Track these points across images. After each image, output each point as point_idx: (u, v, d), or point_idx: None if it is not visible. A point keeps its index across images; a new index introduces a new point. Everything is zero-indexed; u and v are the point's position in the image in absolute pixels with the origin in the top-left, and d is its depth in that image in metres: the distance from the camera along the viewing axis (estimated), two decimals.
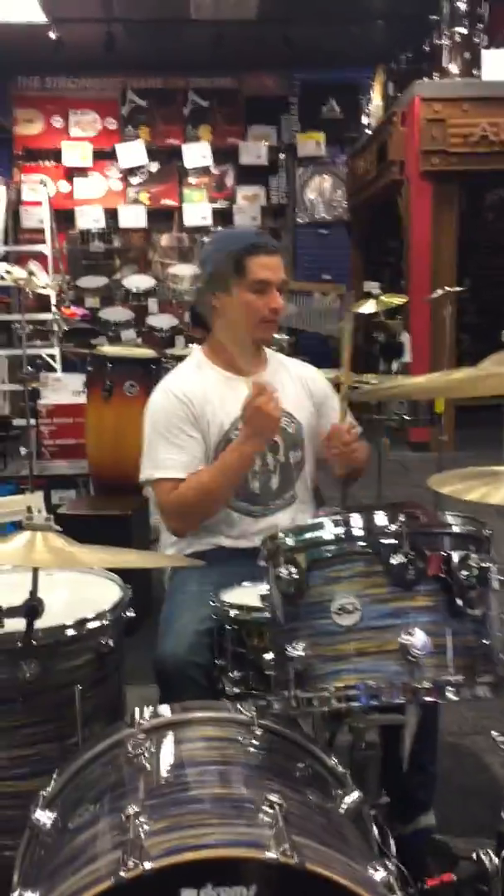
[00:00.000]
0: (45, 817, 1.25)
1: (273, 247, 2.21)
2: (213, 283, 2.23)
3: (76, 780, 1.36)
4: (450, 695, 1.32)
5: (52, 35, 8.20)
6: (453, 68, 7.17)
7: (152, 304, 9.49)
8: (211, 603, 1.89)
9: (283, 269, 2.22)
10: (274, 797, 1.10)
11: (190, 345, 6.93)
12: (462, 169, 7.13)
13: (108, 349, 4.83)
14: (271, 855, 1.00)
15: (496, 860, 1.49)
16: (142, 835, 1.04)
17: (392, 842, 1.59)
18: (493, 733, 1.56)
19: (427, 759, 1.96)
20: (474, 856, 1.52)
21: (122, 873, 0.98)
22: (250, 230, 2.34)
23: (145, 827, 1.06)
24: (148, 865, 0.98)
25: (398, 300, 5.52)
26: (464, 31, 7.14)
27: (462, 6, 7.13)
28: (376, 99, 8.84)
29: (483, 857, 1.49)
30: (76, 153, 9.89)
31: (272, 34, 8.39)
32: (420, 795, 1.99)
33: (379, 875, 1.14)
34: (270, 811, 1.09)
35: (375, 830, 1.45)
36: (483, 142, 6.97)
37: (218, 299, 2.22)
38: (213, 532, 2.21)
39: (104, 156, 9.94)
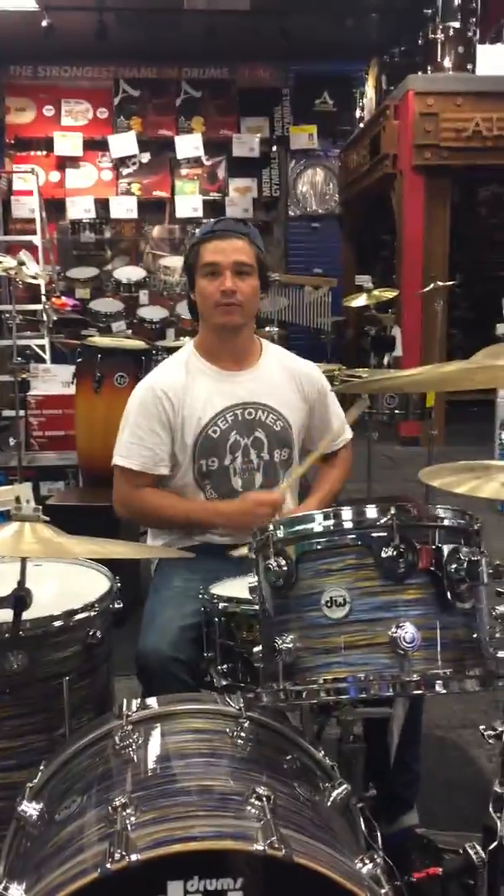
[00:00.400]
0: (31, 809, 1.25)
1: (230, 231, 2.17)
2: (188, 279, 2.27)
3: (63, 771, 1.35)
4: (439, 688, 1.32)
5: (45, 23, 8.14)
6: (447, 62, 7.15)
7: (143, 295, 9.45)
8: (199, 596, 1.88)
9: (248, 252, 2.16)
10: (262, 789, 1.10)
11: (181, 337, 6.92)
12: (455, 163, 7.12)
13: (99, 340, 4.81)
14: (259, 847, 1.00)
15: (482, 853, 1.49)
16: (129, 827, 1.04)
17: (378, 835, 1.59)
18: (481, 727, 1.56)
19: (410, 756, 1.97)
20: (461, 850, 1.52)
21: (108, 865, 0.97)
22: (216, 220, 2.32)
23: (132, 819, 1.06)
24: (134, 857, 0.98)
25: (390, 294, 5.52)
26: (457, 25, 7.12)
27: (456, 0, 7.11)
28: (370, 92, 8.82)
29: (469, 850, 1.50)
30: (67, 143, 9.83)
31: (266, 25, 8.35)
32: (404, 794, 2.00)
33: (366, 868, 1.14)
34: (258, 804, 1.08)
35: (362, 823, 1.45)
36: (476, 136, 6.96)
37: (194, 292, 2.24)
38: (201, 533, 2.21)
39: (96, 146, 9.88)
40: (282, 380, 2.28)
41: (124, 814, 1.06)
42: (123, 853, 0.98)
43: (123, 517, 2.30)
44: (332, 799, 1.29)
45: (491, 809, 1.56)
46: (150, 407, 2.17)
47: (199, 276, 2.18)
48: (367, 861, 1.15)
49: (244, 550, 1.90)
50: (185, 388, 2.19)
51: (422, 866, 1.86)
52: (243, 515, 2.08)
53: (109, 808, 1.08)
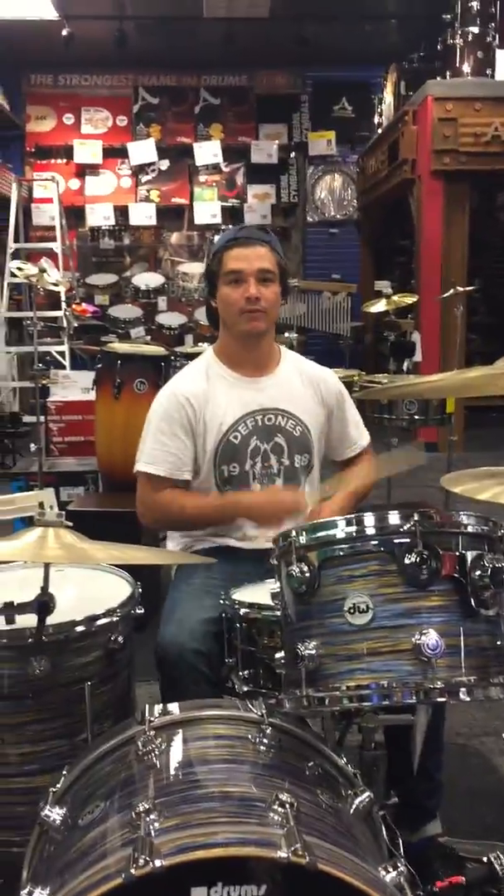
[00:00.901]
0: (54, 814, 1.25)
1: (253, 238, 2.18)
2: (208, 284, 2.27)
3: (86, 776, 1.35)
4: (462, 695, 1.31)
5: (65, 32, 8.20)
6: (466, 68, 7.14)
7: (162, 301, 9.49)
8: (220, 599, 1.88)
9: (270, 259, 2.17)
10: (284, 796, 1.10)
11: (200, 343, 6.94)
12: (474, 168, 7.10)
13: (118, 346, 4.82)
14: (282, 854, 0.99)
15: None
16: (152, 832, 1.04)
17: (401, 842, 1.59)
18: (503, 735, 1.55)
19: (433, 765, 1.95)
20: (484, 858, 1.51)
21: (132, 871, 0.97)
22: (238, 227, 2.32)
23: (155, 825, 1.05)
24: (158, 863, 0.97)
25: (409, 299, 5.50)
26: (476, 30, 7.11)
27: (475, 5, 7.10)
28: (388, 98, 8.81)
29: (493, 860, 1.49)
30: (87, 150, 9.91)
31: (284, 32, 8.38)
32: (426, 803, 1.99)
33: (389, 876, 1.13)
34: (281, 810, 1.08)
35: (385, 831, 1.45)
36: (495, 141, 6.94)
37: (214, 299, 2.25)
38: (220, 533, 2.21)
39: (115, 153, 9.95)
40: (300, 386, 2.29)
41: (148, 819, 1.06)
42: (147, 859, 0.98)
43: (148, 524, 2.29)
44: (354, 806, 1.28)
45: None
46: (173, 413, 2.18)
47: (222, 283, 2.19)
48: (390, 869, 1.14)
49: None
50: (206, 395, 2.20)
51: (444, 875, 1.85)
52: (271, 506, 2.09)
53: (133, 813, 1.08)
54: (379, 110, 9.23)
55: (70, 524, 1.51)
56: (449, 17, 7.20)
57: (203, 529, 2.23)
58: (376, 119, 9.31)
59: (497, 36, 7.15)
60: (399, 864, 1.17)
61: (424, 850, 1.93)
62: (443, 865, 1.89)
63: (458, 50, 7.13)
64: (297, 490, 2.17)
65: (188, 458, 2.18)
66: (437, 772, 2.00)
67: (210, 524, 2.21)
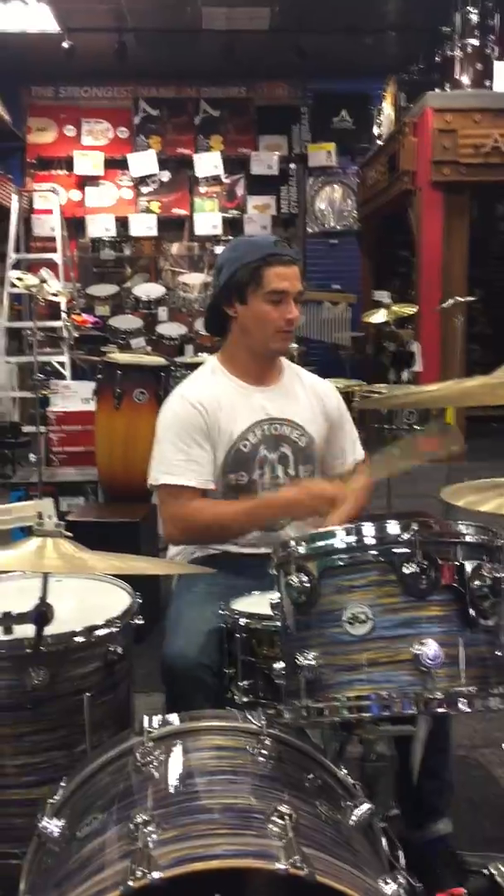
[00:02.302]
0: (52, 825, 1.24)
1: (291, 257, 2.18)
2: (228, 292, 2.20)
3: (84, 788, 1.34)
4: (462, 706, 1.30)
5: (65, 44, 8.25)
6: (465, 79, 7.17)
7: (162, 312, 9.50)
8: (220, 611, 1.88)
9: (300, 278, 2.19)
10: (283, 808, 1.09)
11: (200, 353, 6.94)
12: (473, 180, 7.13)
13: (119, 356, 4.84)
14: (281, 866, 0.99)
15: None
16: (150, 844, 1.03)
17: (402, 854, 1.58)
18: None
19: (440, 765, 1.95)
20: (485, 871, 1.50)
21: (130, 883, 0.96)
22: (269, 239, 2.28)
23: (153, 836, 1.05)
24: (156, 875, 0.97)
25: (409, 310, 5.51)
26: (475, 42, 7.15)
27: (474, 18, 7.14)
28: (387, 109, 8.85)
29: (494, 871, 1.48)
30: (88, 162, 9.95)
31: (284, 44, 8.42)
32: (435, 802, 1.98)
33: (389, 888, 1.12)
34: (280, 822, 1.07)
35: (385, 843, 1.44)
36: (494, 153, 6.97)
37: (234, 308, 2.20)
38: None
39: (116, 165, 9.99)
40: (304, 397, 2.29)
41: (146, 831, 1.05)
42: (145, 871, 0.97)
43: (179, 539, 2.21)
44: (354, 818, 1.27)
45: None
46: (191, 419, 2.14)
47: (259, 298, 2.14)
48: (389, 880, 1.13)
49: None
50: (218, 401, 2.18)
51: (449, 883, 1.84)
52: (312, 500, 2.06)
53: (131, 825, 1.07)
54: (378, 122, 9.28)
55: (69, 534, 1.50)
56: (448, 29, 7.24)
57: (241, 537, 2.18)
58: (376, 130, 9.35)
59: (496, 48, 7.19)
60: (399, 876, 1.16)
61: (433, 854, 1.93)
62: (447, 874, 1.88)
63: (457, 62, 7.18)
64: (332, 484, 2.12)
65: (211, 465, 2.14)
66: (446, 771, 1.99)
67: (248, 529, 2.15)
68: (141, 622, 1.84)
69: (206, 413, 2.15)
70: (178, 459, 2.12)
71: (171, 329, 9.19)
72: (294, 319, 2.16)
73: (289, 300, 2.15)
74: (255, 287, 2.14)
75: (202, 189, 10.08)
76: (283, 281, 2.13)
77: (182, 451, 2.13)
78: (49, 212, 8.91)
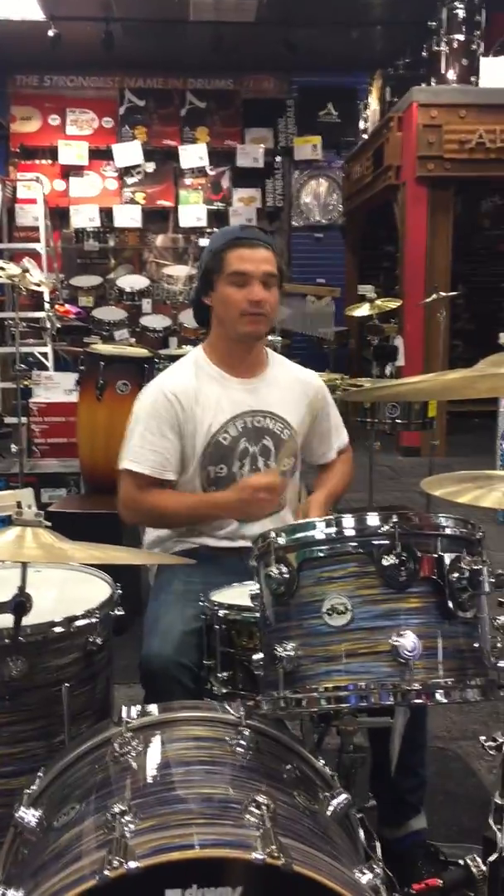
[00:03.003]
0: (29, 815, 1.24)
1: (257, 240, 2.16)
2: (203, 281, 2.22)
3: (62, 778, 1.34)
4: (440, 697, 1.31)
5: (51, 33, 8.19)
6: (451, 75, 7.18)
7: (146, 304, 9.46)
8: (200, 602, 1.88)
9: (273, 262, 2.15)
10: (261, 798, 1.09)
11: (184, 346, 6.93)
12: (458, 175, 7.15)
13: (101, 348, 4.80)
14: (258, 856, 0.99)
15: (482, 866, 1.48)
16: (127, 834, 1.03)
17: (378, 845, 1.59)
18: (481, 738, 1.55)
19: (416, 762, 1.96)
20: (461, 861, 1.51)
21: (106, 872, 0.97)
22: (238, 226, 2.29)
23: (131, 826, 1.05)
24: (132, 865, 0.97)
25: (392, 304, 5.53)
26: (462, 38, 7.16)
27: (460, 13, 7.15)
28: (373, 104, 8.85)
29: (470, 862, 1.49)
30: (72, 152, 9.88)
31: (271, 37, 8.40)
32: (410, 798, 1.99)
33: (365, 878, 1.13)
34: (257, 812, 1.08)
35: (362, 833, 1.44)
36: (479, 148, 6.99)
37: (209, 297, 2.21)
38: (199, 533, 2.20)
39: (100, 155, 9.93)
40: (289, 389, 2.29)
41: (123, 821, 1.05)
42: (122, 860, 0.97)
43: (129, 521, 2.29)
44: (331, 808, 1.28)
45: (491, 821, 1.56)
46: (161, 410, 2.15)
47: (223, 282, 2.15)
48: (366, 871, 1.14)
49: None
50: (195, 393, 2.17)
51: (426, 876, 1.85)
52: (242, 503, 2.07)
53: (108, 815, 1.07)
54: (364, 116, 9.28)
55: (48, 524, 1.50)
56: (434, 24, 7.25)
57: (175, 534, 2.22)
58: (362, 125, 9.35)
59: (482, 44, 7.20)
60: (375, 866, 1.17)
61: (410, 847, 1.94)
62: (425, 866, 1.90)
63: (443, 57, 7.18)
64: (266, 473, 2.14)
65: (175, 457, 2.15)
66: (421, 768, 2.00)
67: (189, 524, 2.20)
68: (121, 613, 1.84)
69: (179, 405, 2.15)
70: (140, 447, 2.14)
71: (155, 321, 9.16)
72: (260, 301, 2.12)
73: (253, 282, 2.12)
74: (219, 272, 2.15)
75: (187, 181, 10.04)
76: (244, 262, 2.12)
77: (146, 440, 2.14)
78: (33, 201, 8.84)
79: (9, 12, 7.86)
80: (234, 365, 2.24)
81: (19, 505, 1.48)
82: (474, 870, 1.49)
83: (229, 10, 8.05)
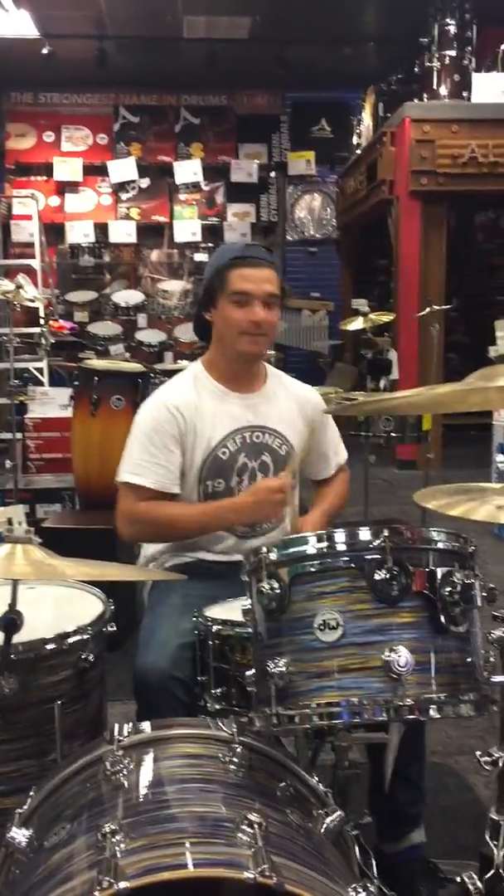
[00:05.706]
0: (20, 835, 1.23)
1: (260, 259, 2.16)
2: (205, 298, 2.22)
3: (53, 797, 1.33)
4: (433, 712, 1.31)
5: (45, 50, 8.23)
6: (443, 90, 7.24)
7: (141, 319, 9.49)
8: (193, 618, 1.87)
9: (276, 282, 2.16)
10: (253, 816, 1.08)
11: (180, 360, 6.93)
12: (451, 189, 7.18)
13: (96, 363, 4.82)
14: (249, 875, 0.98)
15: (479, 884, 1.47)
16: (118, 853, 1.02)
17: (374, 862, 1.57)
18: (477, 753, 1.54)
19: (415, 774, 1.95)
20: (458, 878, 1.50)
21: (96, 893, 0.95)
22: (242, 243, 2.30)
23: (122, 846, 1.04)
24: (123, 885, 0.96)
25: (386, 318, 5.54)
26: (453, 53, 7.22)
27: (452, 29, 7.21)
28: (367, 119, 8.91)
29: (466, 880, 1.48)
30: (67, 168, 9.92)
31: (265, 54, 8.45)
32: (410, 811, 1.98)
33: None
34: (250, 830, 1.07)
35: (357, 850, 1.43)
36: (472, 163, 7.03)
37: (210, 313, 2.22)
38: (195, 547, 2.19)
39: (95, 171, 9.97)
40: (287, 404, 2.29)
41: (114, 840, 1.04)
42: (111, 881, 0.96)
43: (128, 535, 2.19)
44: (325, 826, 1.27)
45: (487, 837, 1.55)
46: (164, 424, 2.13)
47: (225, 300, 2.14)
48: (360, 889, 1.13)
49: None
50: (196, 406, 2.17)
51: (420, 894, 1.84)
52: (257, 505, 2.06)
53: (99, 834, 1.06)
54: (357, 131, 9.34)
55: (40, 540, 1.49)
56: (426, 40, 7.30)
57: (171, 549, 2.20)
58: (355, 140, 9.41)
59: (473, 59, 7.26)
60: (370, 885, 1.16)
61: (409, 863, 1.93)
62: (423, 882, 1.88)
63: (435, 73, 7.23)
64: (277, 477, 2.13)
65: (178, 470, 2.14)
66: (420, 780, 1.99)
67: (197, 533, 2.16)
68: (114, 630, 1.83)
69: (182, 418, 2.14)
70: (143, 460, 2.12)
71: (150, 336, 9.19)
72: (261, 322, 2.13)
73: (254, 302, 2.12)
74: (221, 290, 2.15)
75: (182, 196, 10.08)
76: (247, 282, 2.12)
77: (149, 453, 2.12)
78: (28, 217, 8.87)
79: (3, 30, 7.90)
80: (234, 380, 2.24)
81: (10, 522, 1.47)
82: (471, 887, 1.47)
83: (223, 27, 8.11)
